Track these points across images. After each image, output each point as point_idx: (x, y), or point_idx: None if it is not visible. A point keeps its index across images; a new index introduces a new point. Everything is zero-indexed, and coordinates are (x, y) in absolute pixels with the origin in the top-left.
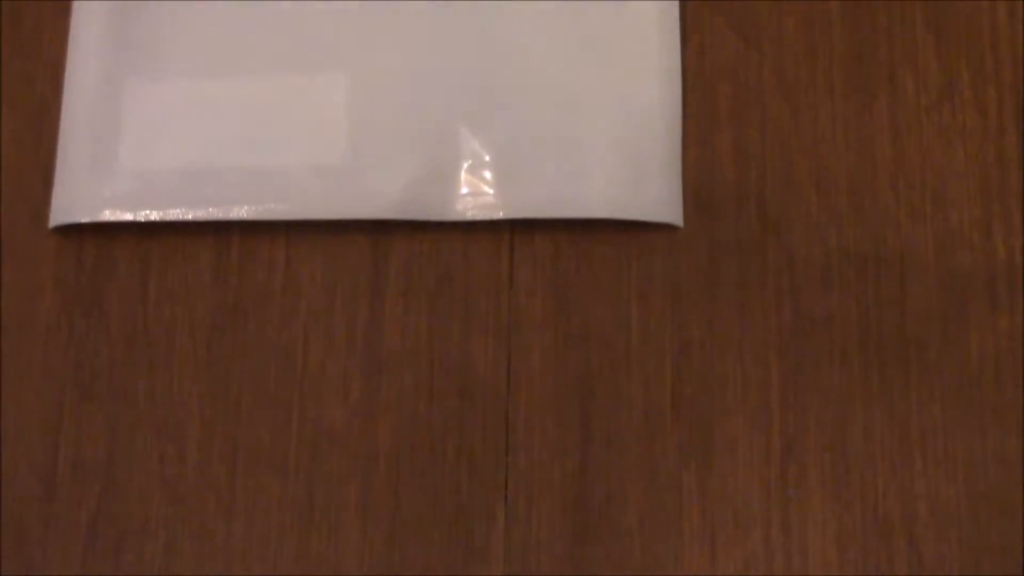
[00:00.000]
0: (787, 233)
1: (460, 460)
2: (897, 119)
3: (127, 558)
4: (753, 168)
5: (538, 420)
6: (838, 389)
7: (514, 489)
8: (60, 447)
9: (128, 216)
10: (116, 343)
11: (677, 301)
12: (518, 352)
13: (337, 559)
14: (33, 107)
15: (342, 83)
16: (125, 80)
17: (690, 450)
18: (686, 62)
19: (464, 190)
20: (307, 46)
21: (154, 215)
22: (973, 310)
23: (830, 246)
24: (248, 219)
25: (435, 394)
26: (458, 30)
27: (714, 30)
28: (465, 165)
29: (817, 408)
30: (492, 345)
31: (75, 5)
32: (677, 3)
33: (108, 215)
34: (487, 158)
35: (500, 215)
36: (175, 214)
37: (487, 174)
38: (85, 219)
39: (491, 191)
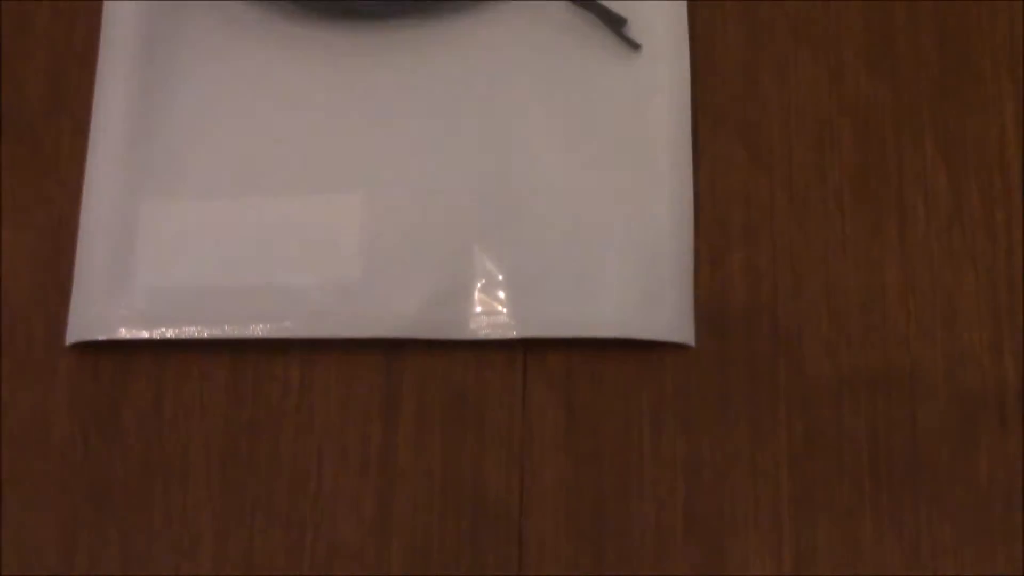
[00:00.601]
0: (798, 352)
1: None
2: (907, 240)
3: None
4: (764, 287)
5: (551, 539)
6: (848, 508)
7: None
8: (75, 564)
9: (144, 334)
10: (131, 460)
11: (689, 419)
12: (531, 471)
13: None
14: (51, 225)
15: (357, 202)
16: (142, 199)
17: (702, 569)
18: (698, 183)
19: (478, 309)
20: (322, 166)
21: (170, 333)
22: (983, 430)
23: (840, 365)
24: (263, 337)
25: (448, 512)
26: (472, 151)
27: (726, 152)
28: (479, 284)
29: (827, 527)
30: (505, 463)
31: (93, 124)
32: (689, 125)
33: (124, 333)
34: (500, 277)
35: (514, 334)
36: (191, 332)
37: (500, 293)
38: (101, 337)
39: (504, 310)
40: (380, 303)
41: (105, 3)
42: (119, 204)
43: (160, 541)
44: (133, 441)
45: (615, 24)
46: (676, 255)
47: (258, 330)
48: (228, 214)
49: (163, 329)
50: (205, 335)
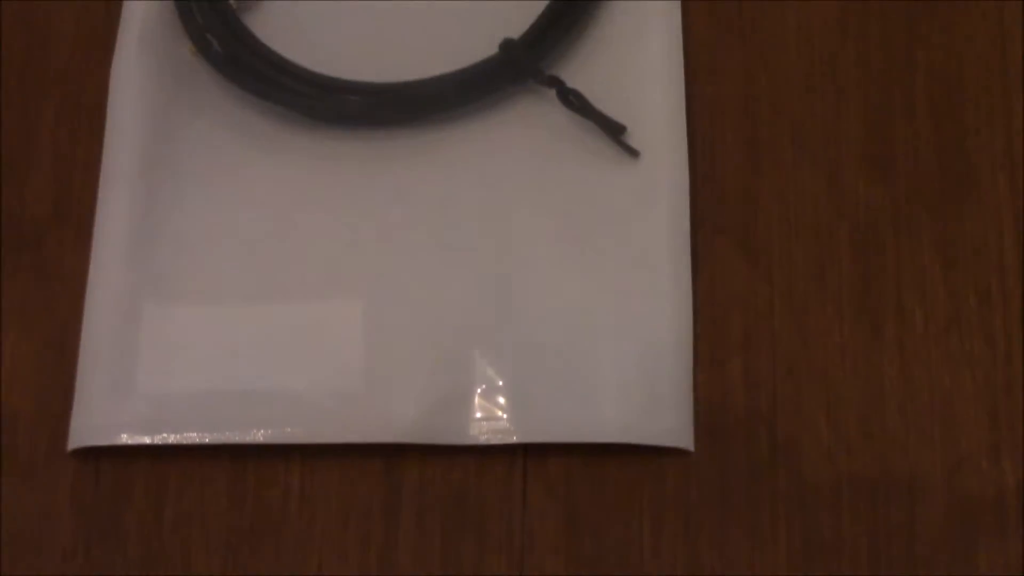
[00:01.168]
0: (797, 457)
1: None
2: (905, 345)
3: None
4: (763, 393)
5: None
6: None
7: None
8: None
9: (146, 439)
10: (132, 566)
11: (688, 524)
12: (531, 574)
13: None
14: (54, 331)
15: (358, 308)
16: (144, 305)
17: None
18: (697, 289)
19: (478, 414)
20: (323, 272)
21: (171, 438)
22: (982, 535)
23: (839, 470)
24: (264, 443)
25: None
26: (472, 257)
27: (725, 257)
28: (479, 390)
29: None
30: (505, 567)
31: (96, 231)
32: (688, 232)
33: (126, 438)
34: (500, 383)
35: (514, 439)
36: (192, 438)
37: (500, 399)
38: (103, 442)
39: (504, 416)
40: (380, 409)
41: (109, 110)
42: (121, 310)
43: None
44: (134, 546)
45: (614, 132)
46: (676, 360)
47: (259, 435)
48: (229, 320)
49: (164, 434)
50: (206, 440)
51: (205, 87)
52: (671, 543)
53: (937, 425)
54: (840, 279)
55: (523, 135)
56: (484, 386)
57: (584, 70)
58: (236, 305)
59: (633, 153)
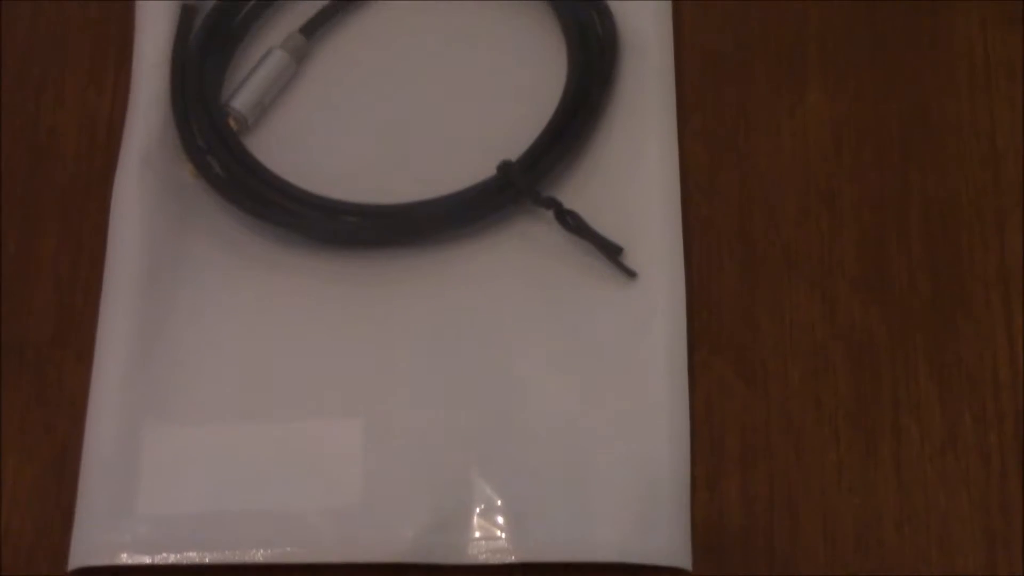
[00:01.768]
0: None
1: None
2: (901, 464)
3: None
4: (760, 512)
5: None
6: None
7: None
8: None
9: (146, 559)
10: None
11: None
12: None
13: None
14: (54, 452)
15: (357, 428)
16: (144, 424)
17: None
18: (694, 408)
19: (477, 534)
20: (322, 391)
21: (171, 558)
22: None
23: None
24: (264, 563)
25: None
26: (469, 377)
27: (721, 377)
28: (477, 509)
29: None
30: None
31: (97, 352)
32: (685, 352)
33: (126, 559)
34: (499, 503)
35: (512, 559)
36: (192, 557)
37: (499, 518)
38: (103, 562)
39: (503, 535)
40: (379, 528)
41: (110, 232)
42: (121, 431)
43: None
44: None
45: (611, 252)
46: (672, 480)
47: (259, 555)
48: (229, 439)
49: (164, 554)
50: (207, 560)
51: (206, 208)
52: None
53: (934, 544)
54: (836, 399)
55: (521, 256)
56: (483, 506)
57: (581, 191)
58: (236, 425)
59: (630, 274)
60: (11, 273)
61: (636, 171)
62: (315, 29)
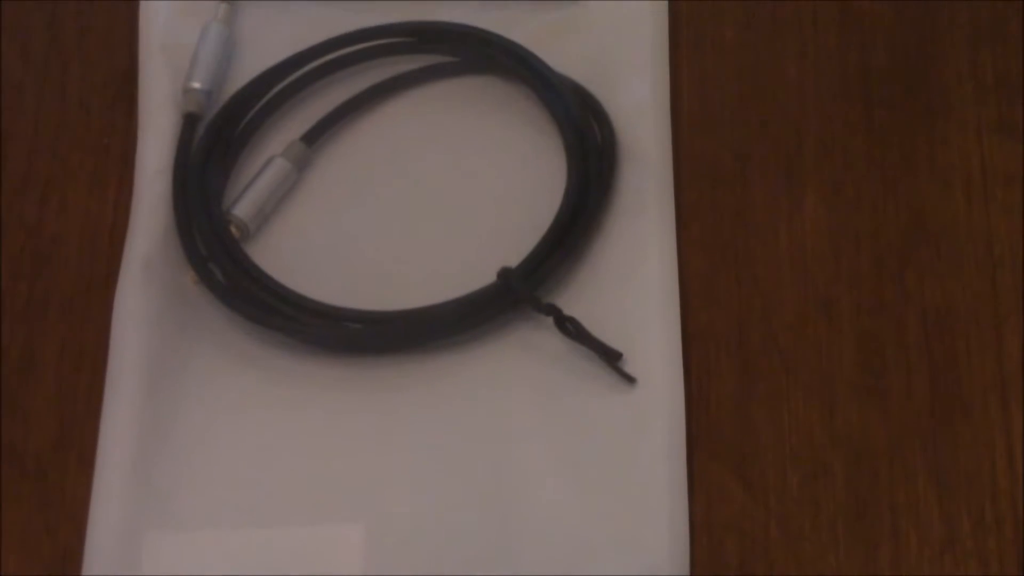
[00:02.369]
0: None
1: None
2: (900, 569)
3: None
4: None
5: None
6: None
7: None
8: None
9: None
10: None
11: None
12: None
13: None
14: (56, 557)
15: (357, 533)
16: (146, 529)
17: None
18: (693, 514)
19: None
20: (323, 496)
21: None
22: None
23: None
24: None
25: None
26: (469, 481)
27: (720, 483)
28: None
29: None
30: None
31: (99, 455)
32: (684, 457)
33: None
34: None
35: None
36: None
37: None
38: None
39: None
40: None
41: (112, 339)
42: (123, 536)
43: None
44: None
45: (611, 358)
46: None
47: None
48: (230, 545)
49: None
50: None
51: (207, 315)
52: None
53: None
54: (835, 504)
55: (521, 361)
56: None
57: (581, 296)
58: (237, 530)
59: (629, 380)
60: (14, 377)
61: (635, 278)
62: (316, 137)
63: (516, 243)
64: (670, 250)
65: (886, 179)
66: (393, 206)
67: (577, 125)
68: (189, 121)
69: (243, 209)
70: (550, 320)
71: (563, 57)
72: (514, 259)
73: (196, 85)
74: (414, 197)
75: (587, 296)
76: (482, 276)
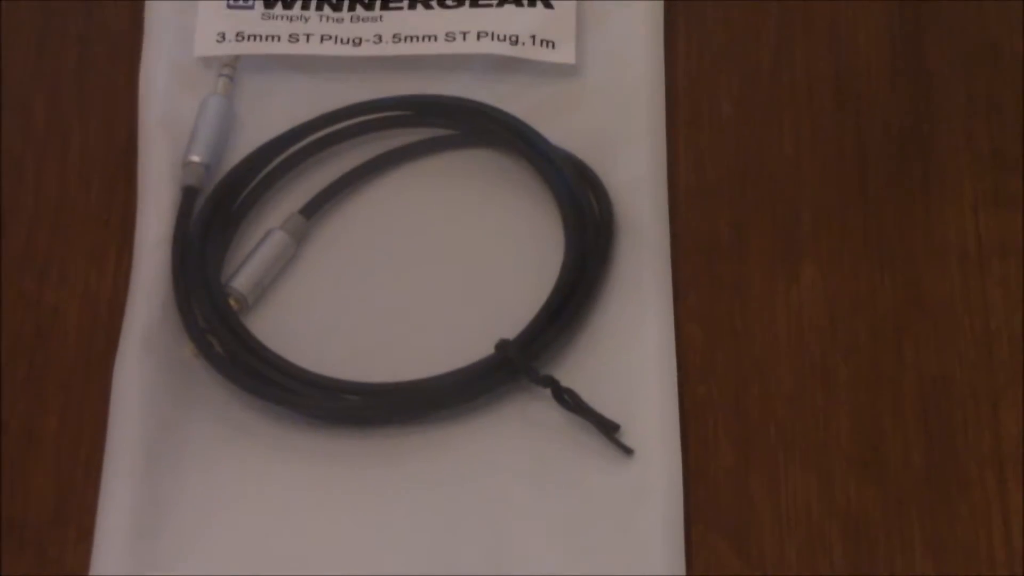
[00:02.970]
0: None
1: None
2: None
3: None
4: None
5: None
6: None
7: None
8: None
9: None
10: None
11: None
12: None
13: None
14: None
15: None
16: None
17: None
18: None
19: None
20: (323, 569)
21: None
22: None
23: None
24: None
25: None
26: (468, 553)
27: (717, 554)
28: None
29: None
30: None
31: (98, 528)
32: (681, 530)
33: None
34: None
35: None
36: None
37: None
38: None
39: None
40: None
41: (111, 412)
42: None
43: None
44: None
45: (608, 430)
46: None
47: None
48: None
49: None
50: None
51: (206, 387)
52: None
53: None
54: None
55: (519, 433)
56: None
57: (578, 367)
58: None
59: (627, 451)
60: (12, 451)
61: (633, 349)
62: (315, 210)
63: (514, 315)
64: (667, 322)
65: (883, 251)
66: (391, 278)
67: (575, 198)
68: (188, 194)
69: (242, 282)
70: (548, 392)
71: (561, 130)
72: (512, 331)
73: (195, 159)
74: (412, 269)
75: (585, 368)
76: (480, 348)
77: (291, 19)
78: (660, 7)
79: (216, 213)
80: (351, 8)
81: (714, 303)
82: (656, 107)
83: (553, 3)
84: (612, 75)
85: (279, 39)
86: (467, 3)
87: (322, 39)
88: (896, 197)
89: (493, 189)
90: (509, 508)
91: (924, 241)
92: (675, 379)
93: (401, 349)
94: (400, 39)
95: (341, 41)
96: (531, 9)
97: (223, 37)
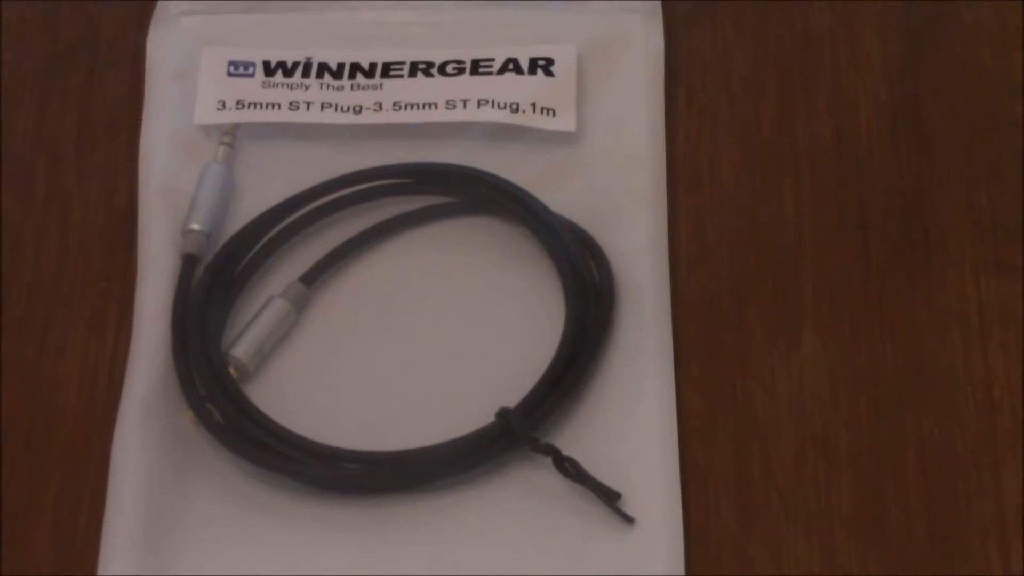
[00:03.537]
0: None
1: None
2: None
3: None
4: None
5: None
6: None
7: None
8: None
9: None
10: None
11: None
12: None
13: None
14: None
15: None
16: None
17: None
18: None
19: None
20: None
21: None
22: None
23: None
24: None
25: None
26: None
27: None
28: None
29: None
30: None
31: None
32: (683, 570)
33: None
34: None
35: None
36: None
37: None
38: None
39: None
40: None
41: (111, 480)
42: None
43: None
44: None
45: (610, 499)
46: None
47: None
48: None
49: None
50: None
51: (206, 455)
52: None
53: None
54: None
55: (519, 502)
56: None
57: (579, 435)
58: None
59: (628, 520)
60: (11, 522)
61: (634, 417)
62: (315, 278)
63: (515, 383)
64: (668, 389)
65: (884, 319)
66: (392, 346)
67: (575, 266)
68: (188, 262)
69: (242, 350)
70: (548, 460)
71: (561, 197)
72: (513, 399)
73: (195, 227)
74: (412, 337)
75: (586, 436)
76: (481, 416)
77: (291, 87)
78: (661, 74)
79: (216, 281)
80: (351, 76)
81: (715, 371)
82: (657, 173)
83: (553, 71)
84: (613, 141)
85: (279, 107)
86: (467, 71)
87: (322, 107)
88: (897, 263)
89: (494, 257)
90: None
91: (925, 308)
92: (676, 447)
93: (402, 417)
94: (400, 107)
95: (341, 109)
96: (531, 77)
97: (223, 105)
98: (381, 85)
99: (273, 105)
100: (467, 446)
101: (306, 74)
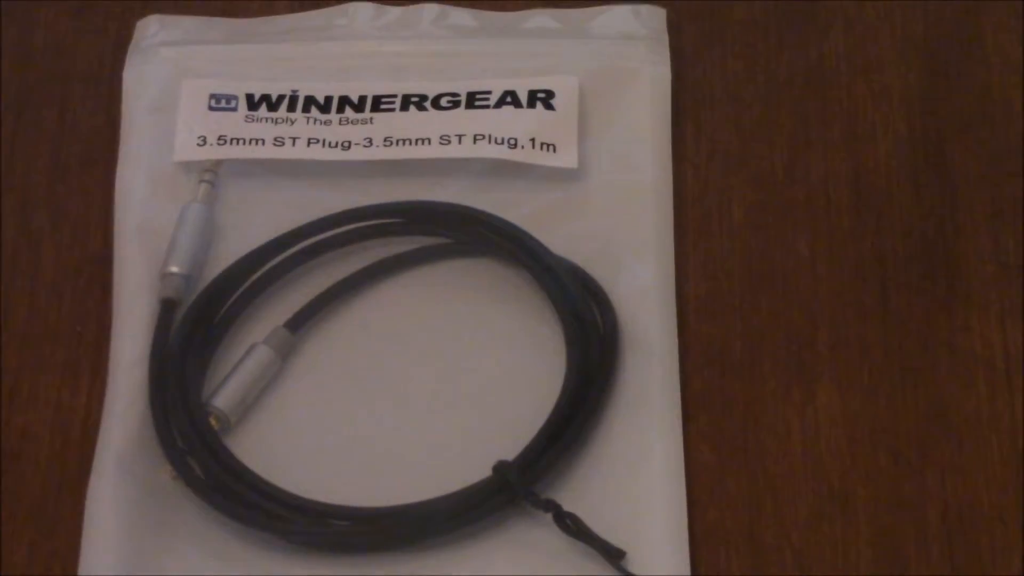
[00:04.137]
0: None
1: None
2: None
3: None
4: None
5: None
6: None
7: None
8: None
9: None
10: None
11: None
12: None
13: None
14: None
15: None
16: None
17: None
18: None
19: None
20: None
21: None
22: None
23: None
24: None
25: None
26: None
27: None
28: None
29: None
30: None
31: None
32: None
33: None
34: None
35: None
36: None
37: None
38: None
39: None
40: None
41: (84, 538)
42: None
43: None
44: None
45: (613, 557)
46: None
47: None
48: None
49: None
50: None
51: (185, 512)
52: None
53: None
54: None
55: (518, 560)
56: None
57: (581, 490)
58: None
59: None
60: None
61: (639, 472)
62: (301, 324)
63: (513, 434)
64: (676, 443)
65: (904, 367)
66: (382, 395)
67: (577, 310)
68: (166, 307)
69: (223, 400)
70: (549, 516)
71: (562, 238)
72: (511, 451)
73: (174, 270)
74: (405, 386)
75: (588, 491)
76: (477, 469)
77: (276, 122)
78: (667, 107)
79: (196, 327)
80: (340, 110)
81: (726, 423)
82: (664, 213)
83: (554, 104)
84: (617, 179)
85: (263, 143)
86: (463, 104)
87: (309, 142)
88: (918, 308)
89: (490, 301)
90: None
91: (948, 355)
92: (684, 503)
93: (393, 471)
94: (392, 142)
95: (329, 145)
96: (531, 111)
97: (204, 141)
98: (371, 119)
99: (257, 140)
100: (463, 501)
101: (292, 108)
